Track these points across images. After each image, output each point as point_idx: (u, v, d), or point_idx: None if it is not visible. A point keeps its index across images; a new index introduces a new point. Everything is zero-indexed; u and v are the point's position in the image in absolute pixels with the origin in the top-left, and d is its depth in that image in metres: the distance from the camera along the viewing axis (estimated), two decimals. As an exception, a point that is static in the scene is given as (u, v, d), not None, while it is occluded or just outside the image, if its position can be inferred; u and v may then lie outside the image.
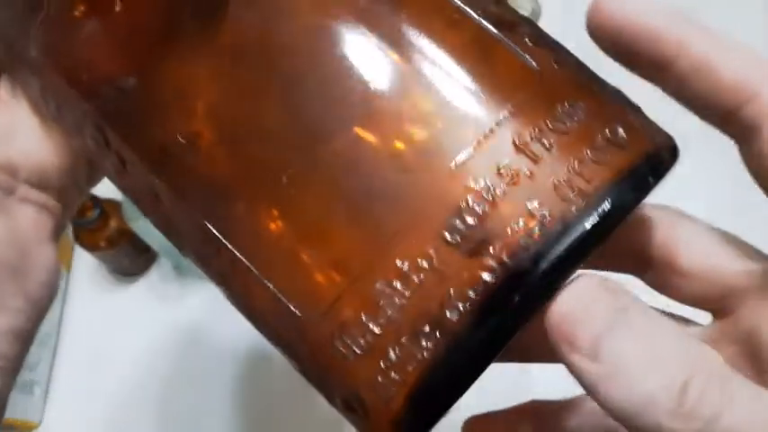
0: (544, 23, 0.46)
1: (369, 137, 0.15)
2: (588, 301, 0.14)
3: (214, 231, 0.16)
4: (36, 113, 0.20)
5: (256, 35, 0.17)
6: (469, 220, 0.14)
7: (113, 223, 0.48)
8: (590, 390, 0.13)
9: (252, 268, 0.16)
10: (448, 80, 0.15)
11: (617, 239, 0.15)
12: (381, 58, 0.16)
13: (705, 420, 0.12)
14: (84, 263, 0.53)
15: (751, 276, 0.17)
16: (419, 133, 0.15)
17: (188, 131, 0.17)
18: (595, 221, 0.14)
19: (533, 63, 0.16)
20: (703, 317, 0.18)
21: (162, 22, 0.18)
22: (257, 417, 0.48)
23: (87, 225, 0.46)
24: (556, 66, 0.16)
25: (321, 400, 0.16)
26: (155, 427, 0.48)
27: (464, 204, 0.14)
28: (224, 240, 0.16)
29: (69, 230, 0.51)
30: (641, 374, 0.13)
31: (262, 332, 0.17)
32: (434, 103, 0.15)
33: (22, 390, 0.45)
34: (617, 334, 0.13)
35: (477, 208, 0.14)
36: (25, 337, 0.20)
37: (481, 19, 0.16)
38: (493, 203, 0.14)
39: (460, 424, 0.20)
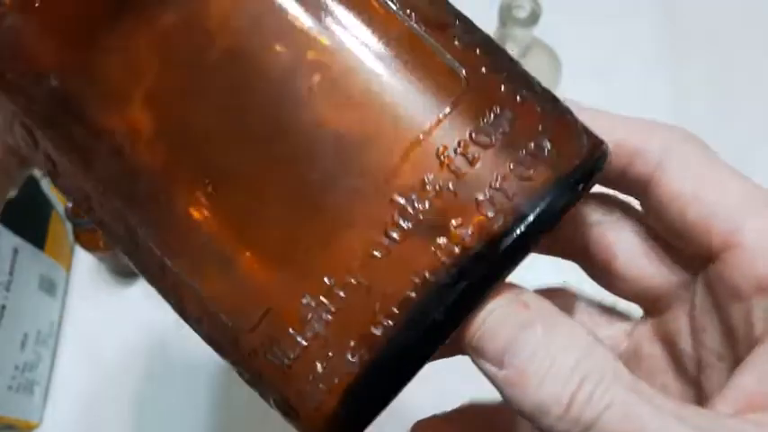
0: (544, 24, 0.46)
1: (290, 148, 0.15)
2: (499, 317, 0.15)
3: (143, 237, 0.16)
4: None
5: (189, 24, 0.16)
6: (394, 235, 0.14)
7: (113, 223, 0.48)
8: (498, 391, 0.15)
9: (182, 276, 0.16)
10: (369, 85, 0.15)
11: (564, 237, 0.16)
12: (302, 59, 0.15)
13: (587, 424, 0.14)
14: (84, 263, 0.53)
15: (676, 286, 0.18)
16: (339, 148, 0.15)
17: (116, 128, 0.16)
18: (515, 238, 0.14)
19: (461, 69, 0.15)
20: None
21: (86, 13, 0.16)
22: (259, 414, 0.48)
23: (87, 225, 0.46)
24: (484, 70, 0.15)
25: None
26: (155, 426, 0.48)
27: (389, 220, 0.14)
28: (153, 246, 0.16)
29: (69, 230, 0.51)
30: (536, 384, 0.14)
31: (198, 334, 0.17)
32: (357, 111, 0.15)
33: (21, 390, 0.45)
34: (518, 348, 0.15)
35: (402, 223, 0.14)
36: None
37: (408, 17, 0.16)
38: (417, 220, 0.14)
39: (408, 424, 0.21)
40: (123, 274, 0.52)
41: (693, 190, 0.16)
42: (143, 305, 0.51)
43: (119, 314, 0.51)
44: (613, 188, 0.18)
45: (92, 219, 0.17)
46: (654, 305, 0.19)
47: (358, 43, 0.15)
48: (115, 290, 0.52)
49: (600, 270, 0.19)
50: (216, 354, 0.17)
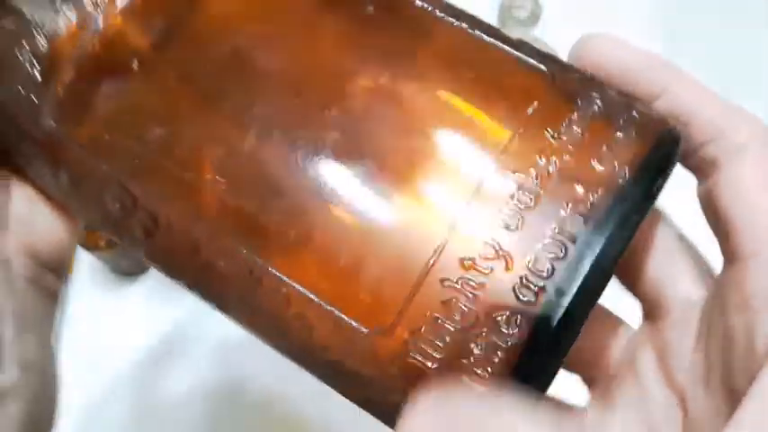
0: (544, 24, 0.46)
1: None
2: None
3: (273, 270, 0.16)
4: (42, 195, 0.20)
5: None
6: (526, 199, 0.15)
7: (113, 223, 0.48)
8: None
9: (310, 296, 0.16)
10: (456, 108, 0.17)
11: None
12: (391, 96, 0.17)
13: None
14: (84, 263, 0.53)
15: (689, 297, 0.18)
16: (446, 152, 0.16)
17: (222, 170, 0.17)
18: (640, 193, 0.15)
19: (544, 68, 0.17)
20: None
21: (181, 73, 0.18)
22: (261, 409, 0.48)
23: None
24: (562, 71, 0.17)
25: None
26: (156, 426, 0.48)
27: (522, 184, 0.15)
28: (279, 275, 0.16)
29: (69, 230, 0.51)
30: None
31: (320, 373, 0.16)
32: (453, 122, 0.17)
33: (22, 390, 0.45)
34: None
35: (534, 187, 0.15)
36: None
37: (490, 39, 0.18)
38: (533, 202, 0.15)
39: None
40: (123, 274, 0.52)
41: (747, 190, 0.16)
42: (143, 305, 0.51)
43: (119, 314, 0.51)
44: (682, 162, 0.18)
45: (192, 271, 0.17)
46: (657, 310, 0.19)
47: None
48: (115, 290, 0.52)
49: (629, 260, 0.19)
50: (342, 391, 0.16)
